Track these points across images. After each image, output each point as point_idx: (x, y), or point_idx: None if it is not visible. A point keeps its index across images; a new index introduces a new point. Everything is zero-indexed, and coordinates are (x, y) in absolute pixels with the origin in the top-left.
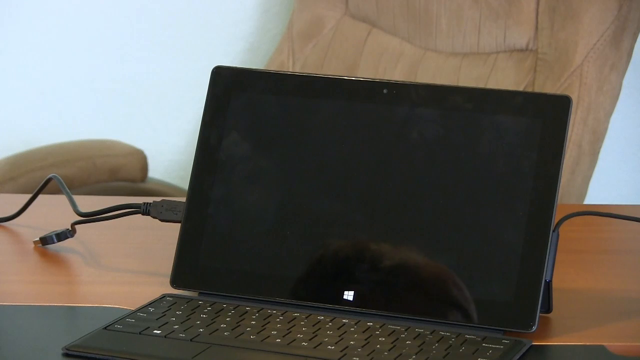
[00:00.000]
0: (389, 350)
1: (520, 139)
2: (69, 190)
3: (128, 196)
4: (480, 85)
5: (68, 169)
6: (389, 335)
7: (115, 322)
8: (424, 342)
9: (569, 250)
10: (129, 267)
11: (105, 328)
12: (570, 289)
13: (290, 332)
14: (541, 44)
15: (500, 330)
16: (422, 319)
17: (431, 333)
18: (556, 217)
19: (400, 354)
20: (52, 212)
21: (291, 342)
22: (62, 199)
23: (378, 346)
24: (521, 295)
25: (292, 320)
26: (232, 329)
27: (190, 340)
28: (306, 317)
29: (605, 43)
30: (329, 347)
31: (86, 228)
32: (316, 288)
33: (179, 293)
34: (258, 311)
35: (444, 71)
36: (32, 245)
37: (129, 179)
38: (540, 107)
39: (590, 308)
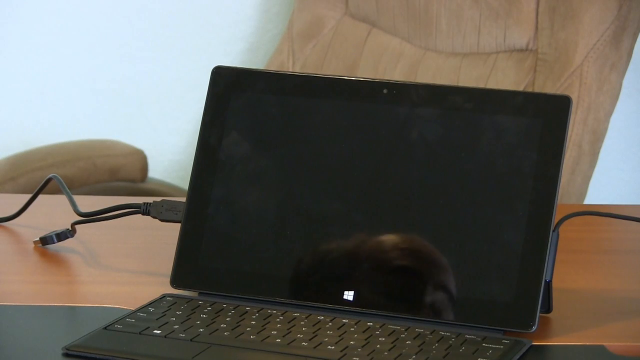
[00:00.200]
0: (389, 350)
1: (520, 139)
2: (69, 190)
3: (128, 196)
4: (480, 85)
5: (68, 169)
6: (389, 335)
7: (115, 322)
8: (424, 342)
9: (569, 250)
10: (129, 267)
11: (105, 328)
12: (570, 289)
13: (290, 332)
14: (541, 44)
15: (500, 330)
16: (422, 319)
17: (431, 333)
18: (556, 217)
19: (400, 354)
20: (52, 212)
21: (291, 342)
22: (62, 199)
23: (378, 346)
24: (521, 295)
25: (292, 320)
26: (232, 329)
27: (190, 340)
28: (306, 317)
29: (605, 43)
30: (329, 347)
31: (86, 228)
32: (316, 288)
33: (179, 293)
34: (258, 311)
35: (444, 71)
36: (32, 245)
37: (129, 179)
38: (540, 107)
39: (590, 308)
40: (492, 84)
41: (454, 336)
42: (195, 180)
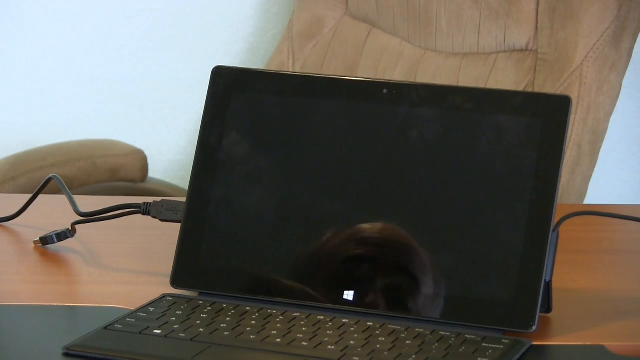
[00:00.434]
0: (389, 350)
1: (520, 139)
2: (69, 190)
3: (128, 196)
4: (480, 85)
5: (68, 169)
6: (389, 335)
7: (115, 322)
8: (424, 342)
9: (569, 250)
10: (129, 267)
11: (105, 328)
12: (570, 289)
13: (290, 332)
14: (541, 44)
15: (500, 330)
16: (422, 318)
17: (431, 333)
18: (556, 217)
19: (400, 354)
20: (52, 212)
21: (291, 342)
22: (62, 199)
23: (378, 346)
24: (521, 295)
25: (292, 320)
26: (232, 329)
27: (190, 340)
28: (306, 317)
29: (605, 43)
30: (329, 347)
31: (86, 228)
32: (316, 288)
33: (179, 293)
34: (258, 311)
35: (444, 71)
36: (32, 245)
37: (129, 179)
38: (540, 107)
39: (590, 308)
40: (492, 84)
41: (454, 336)
42: (195, 180)
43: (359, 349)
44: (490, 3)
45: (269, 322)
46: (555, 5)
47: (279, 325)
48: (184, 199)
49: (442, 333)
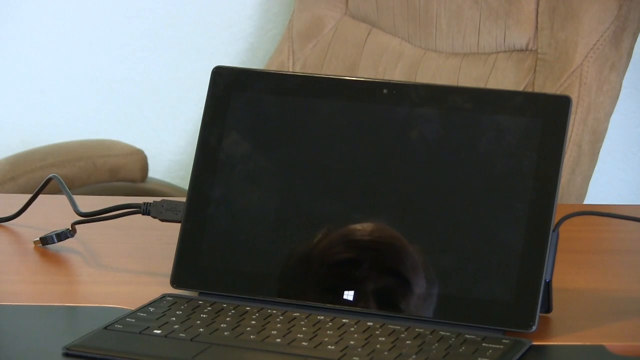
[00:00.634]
0: (389, 350)
1: (520, 139)
2: (69, 190)
3: (128, 196)
4: (480, 85)
5: (68, 169)
6: (389, 335)
7: (115, 322)
8: (424, 342)
9: (569, 250)
10: (129, 267)
11: (105, 328)
12: (570, 289)
13: (290, 332)
14: (541, 44)
15: (500, 330)
16: (422, 318)
17: (431, 333)
18: (556, 217)
19: (400, 354)
20: (52, 212)
21: (291, 342)
22: (62, 199)
23: (378, 346)
24: (521, 295)
25: (292, 320)
26: (232, 329)
27: (190, 340)
28: (306, 317)
29: (605, 43)
30: (329, 347)
31: (86, 228)
32: (316, 288)
33: (179, 293)
34: (258, 311)
35: (444, 71)
36: (32, 245)
37: (129, 179)
38: (540, 107)
39: (590, 308)
40: (492, 84)
41: (454, 336)
42: (195, 180)
43: (359, 349)
44: (490, 3)
45: (269, 322)
46: (555, 5)
47: (279, 325)
48: (184, 199)
49: (442, 333)
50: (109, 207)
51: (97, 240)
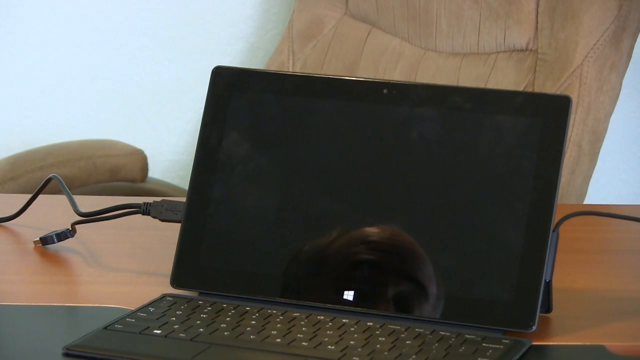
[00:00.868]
0: (389, 350)
1: (520, 139)
2: (69, 190)
3: (128, 196)
4: (480, 85)
5: (68, 169)
6: (389, 335)
7: (115, 322)
8: (424, 342)
9: (569, 250)
10: (129, 267)
11: (105, 328)
12: (570, 289)
13: (290, 332)
14: (541, 44)
15: (500, 330)
16: (422, 318)
17: (431, 333)
18: (556, 217)
19: (400, 354)
20: (52, 212)
21: (291, 342)
22: (62, 199)
23: (378, 346)
24: (521, 295)
25: (292, 320)
26: (232, 329)
27: (190, 340)
28: (306, 317)
29: (605, 43)
30: (329, 347)
31: (86, 228)
32: (316, 288)
33: (179, 293)
34: (258, 311)
35: (444, 71)
36: (32, 245)
37: (129, 179)
38: (540, 107)
39: (590, 308)
40: (492, 84)
41: (454, 336)
42: (195, 180)
43: (359, 349)
44: (490, 3)
45: (269, 322)
46: (555, 5)
47: (279, 325)
48: (184, 199)
49: (442, 333)
50: (109, 207)
51: (97, 240)
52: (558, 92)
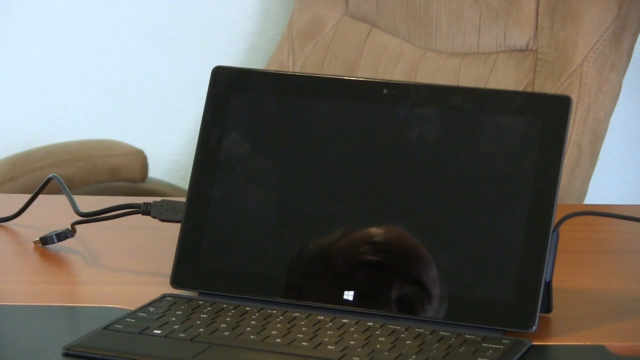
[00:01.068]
0: (389, 350)
1: (520, 139)
2: (69, 190)
3: (128, 196)
4: (480, 85)
5: (68, 169)
6: (389, 335)
7: (115, 322)
8: (424, 342)
9: (569, 250)
10: (129, 267)
11: (105, 328)
12: (570, 289)
13: (290, 332)
14: (541, 44)
15: (500, 330)
16: (422, 318)
17: (431, 333)
18: (556, 217)
19: (400, 354)
20: (52, 212)
21: (291, 342)
22: (62, 199)
23: (378, 346)
24: (521, 295)
25: (292, 320)
26: (232, 329)
27: (190, 340)
28: (306, 317)
29: (605, 43)
30: (329, 347)
31: (86, 228)
32: (316, 288)
33: (179, 293)
34: (258, 311)
35: (444, 71)
36: (32, 245)
37: (129, 179)
38: (540, 107)
39: (590, 308)
40: (492, 84)
41: (454, 336)
42: (195, 180)
43: (359, 349)
44: (490, 3)
45: (269, 322)
46: (555, 5)
47: (279, 325)
48: (184, 199)
49: (442, 333)
50: (109, 207)
51: (97, 240)
52: (558, 92)
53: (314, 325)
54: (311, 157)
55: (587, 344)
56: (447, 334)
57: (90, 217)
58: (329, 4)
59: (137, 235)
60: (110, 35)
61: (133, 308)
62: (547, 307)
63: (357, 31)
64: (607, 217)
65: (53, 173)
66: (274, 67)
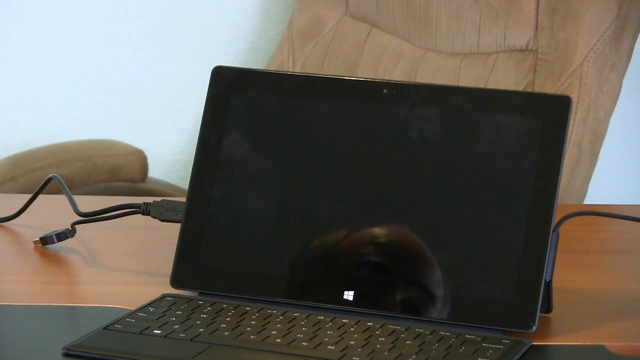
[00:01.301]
0: (389, 350)
1: (520, 139)
2: (69, 190)
3: (128, 196)
4: (480, 85)
5: (68, 169)
6: (389, 335)
7: (115, 322)
8: (424, 342)
9: (569, 250)
10: (129, 267)
11: (105, 328)
12: (570, 289)
13: (290, 332)
14: (541, 44)
15: (500, 330)
16: (422, 319)
17: (431, 333)
18: (556, 217)
19: (400, 354)
20: (52, 212)
21: (291, 342)
22: (62, 199)
23: (378, 346)
24: (521, 295)
25: (292, 320)
26: (232, 329)
27: (190, 340)
28: (306, 317)
29: (605, 43)
30: (329, 347)
31: (86, 228)
32: (316, 288)
33: (179, 293)
34: (258, 311)
35: (444, 71)
36: (32, 245)
37: (129, 179)
38: (540, 107)
39: (590, 308)
40: (492, 84)
41: (454, 336)
42: (195, 180)
43: (359, 349)
44: (490, 3)
45: (269, 322)
46: (555, 5)
47: (279, 325)
48: (184, 199)
49: (442, 333)
50: (109, 207)
51: (97, 240)
52: (558, 92)
53: (314, 326)
54: (311, 157)
55: (587, 344)
56: (447, 334)
57: (90, 217)
58: (329, 4)
59: (137, 235)
60: (111, 35)
61: (133, 308)
62: (547, 307)
63: (357, 31)
64: (607, 217)
65: (53, 173)
66: (274, 67)
